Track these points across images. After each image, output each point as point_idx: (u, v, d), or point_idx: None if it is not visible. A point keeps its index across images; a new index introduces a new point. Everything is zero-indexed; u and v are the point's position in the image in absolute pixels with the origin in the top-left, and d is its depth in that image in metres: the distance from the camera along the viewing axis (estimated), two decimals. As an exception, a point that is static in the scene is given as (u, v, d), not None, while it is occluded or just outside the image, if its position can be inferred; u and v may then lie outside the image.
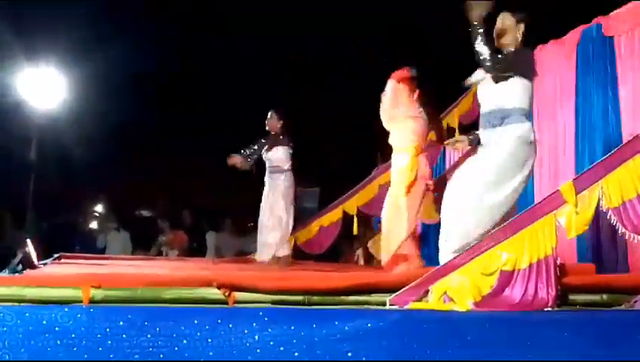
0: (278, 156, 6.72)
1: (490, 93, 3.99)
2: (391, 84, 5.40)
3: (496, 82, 3.94)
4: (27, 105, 10.33)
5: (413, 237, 5.42)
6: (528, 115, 3.98)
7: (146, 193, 12.92)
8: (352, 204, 7.69)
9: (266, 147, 6.80)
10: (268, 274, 3.32)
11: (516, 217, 3.40)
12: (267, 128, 6.86)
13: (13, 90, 10.35)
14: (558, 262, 3.34)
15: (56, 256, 7.09)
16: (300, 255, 7.75)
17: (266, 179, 6.85)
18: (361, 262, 7.78)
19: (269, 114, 6.85)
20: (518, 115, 3.89)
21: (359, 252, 7.92)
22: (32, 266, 5.37)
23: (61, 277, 3.02)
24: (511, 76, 3.90)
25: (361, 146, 7.66)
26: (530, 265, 3.26)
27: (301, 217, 9.52)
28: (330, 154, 12.06)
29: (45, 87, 10.48)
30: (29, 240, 5.79)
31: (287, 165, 6.73)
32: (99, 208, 11.51)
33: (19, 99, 10.35)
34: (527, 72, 3.95)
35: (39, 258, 6.52)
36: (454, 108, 7.77)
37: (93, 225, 10.86)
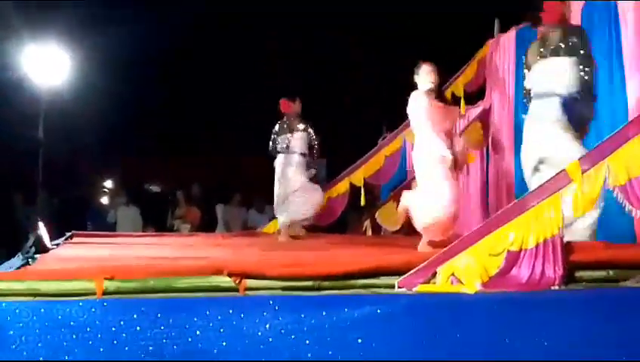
0: (295, 140, 6.98)
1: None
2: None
3: None
4: (32, 82, 10.31)
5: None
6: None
7: (155, 168, 12.98)
8: (359, 175, 7.75)
9: (287, 131, 7.04)
10: (277, 261, 3.37)
11: (523, 197, 3.42)
12: (284, 112, 7.10)
13: (18, 67, 10.33)
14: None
15: (68, 234, 7.17)
16: (308, 227, 7.81)
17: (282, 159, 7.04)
18: (369, 232, 7.82)
19: (295, 99, 7.08)
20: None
21: (367, 223, 7.96)
22: (45, 249, 5.43)
23: (75, 271, 3.07)
24: None
25: (368, 116, 7.66)
26: (537, 245, 3.29)
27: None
28: (336, 124, 12.07)
29: (50, 64, 10.45)
30: (40, 223, 5.85)
31: (302, 150, 7.00)
32: (108, 184, 11.60)
33: (23, 75, 10.34)
34: None
35: (51, 237, 6.59)
36: (459, 76, 7.74)
37: (104, 200, 10.96)
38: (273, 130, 7.16)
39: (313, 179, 7.12)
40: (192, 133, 13.13)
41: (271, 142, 7.15)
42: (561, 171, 3.37)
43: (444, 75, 7.19)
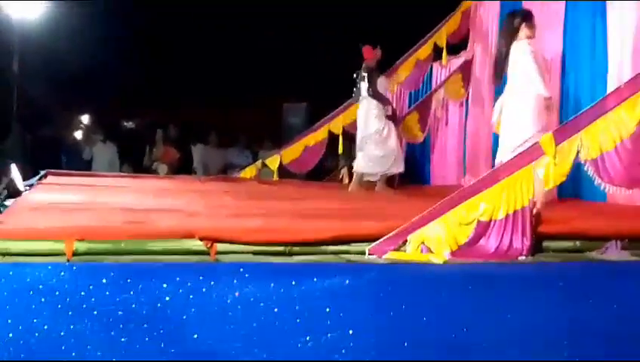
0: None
1: None
2: None
3: None
4: (7, 14, 9.97)
5: None
6: None
7: (133, 105, 12.75)
8: (338, 123, 7.76)
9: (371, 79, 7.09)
10: (249, 226, 3.37)
11: (496, 168, 3.44)
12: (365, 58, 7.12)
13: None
14: (535, 212, 3.42)
15: (42, 173, 7.09)
16: (285, 174, 7.84)
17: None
18: (346, 180, 7.83)
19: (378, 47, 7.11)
20: None
21: (344, 171, 7.98)
22: (17, 192, 5.39)
23: (46, 231, 3.05)
24: None
25: (350, 61, 7.58)
26: (507, 216, 3.33)
27: (288, 133, 9.54)
28: (319, 67, 11.87)
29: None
30: (13, 165, 5.78)
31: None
32: (84, 119, 11.41)
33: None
34: None
35: (26, 175, 6.52)
36: (442, 27, 7.66)
37: (80, 136, 10.80)
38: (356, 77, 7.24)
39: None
40: (171, 74, 12.89)
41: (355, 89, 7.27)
42: (534, 143, 3.39)
43: (428, 27, 7.12)
